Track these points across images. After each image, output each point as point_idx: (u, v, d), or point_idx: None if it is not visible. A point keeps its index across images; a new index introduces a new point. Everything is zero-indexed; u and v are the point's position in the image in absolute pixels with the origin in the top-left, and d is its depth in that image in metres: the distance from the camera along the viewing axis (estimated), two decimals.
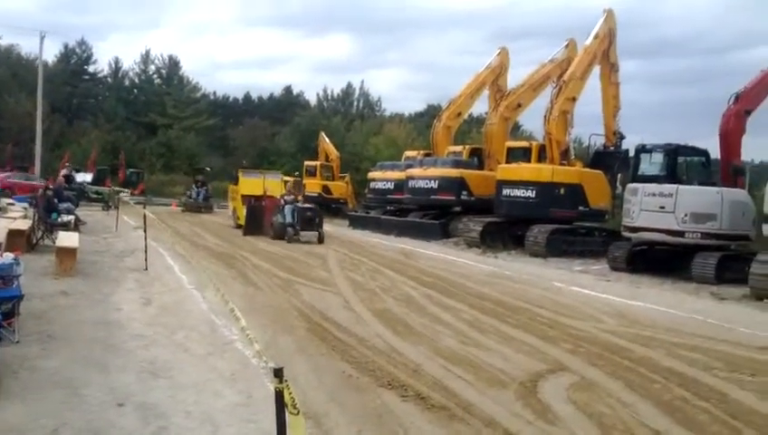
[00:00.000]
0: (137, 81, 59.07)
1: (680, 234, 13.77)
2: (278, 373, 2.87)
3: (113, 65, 58.47)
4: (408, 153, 28.94)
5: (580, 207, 18.64)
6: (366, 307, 9.19)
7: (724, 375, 6.53)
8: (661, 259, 14.99)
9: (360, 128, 51.21)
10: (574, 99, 19.27)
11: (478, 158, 23.37)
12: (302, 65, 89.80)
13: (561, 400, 5.55)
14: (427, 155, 25.24)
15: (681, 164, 15.27)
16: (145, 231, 12.38)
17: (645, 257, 15.12)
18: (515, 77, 23.89)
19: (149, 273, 11.15)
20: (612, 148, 20.31)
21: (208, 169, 35.30)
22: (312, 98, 64.28)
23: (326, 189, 33.11)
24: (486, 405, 5.32)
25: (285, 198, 19.32)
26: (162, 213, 24.85)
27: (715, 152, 15.37)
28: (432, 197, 22.34)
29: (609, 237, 17.34)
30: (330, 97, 63.46)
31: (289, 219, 18.37)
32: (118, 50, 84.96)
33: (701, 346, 7.76)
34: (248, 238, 18.88)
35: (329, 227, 26.70)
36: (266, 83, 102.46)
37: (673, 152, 15.05)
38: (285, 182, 23.63)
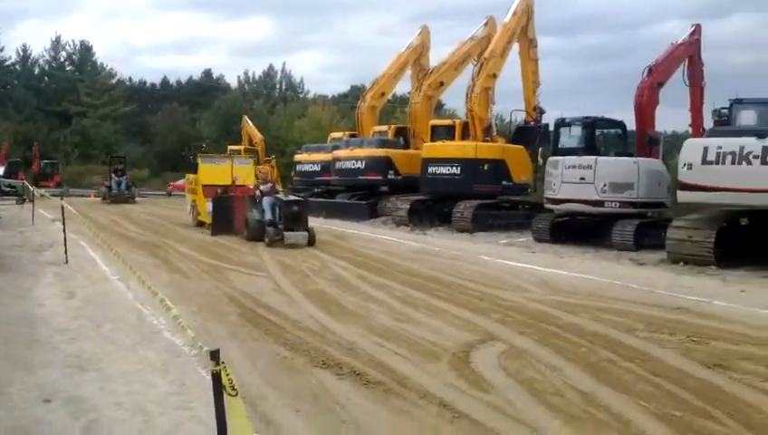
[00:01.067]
0: (47, 68, 56.68)
1: (600, 203, 14.26)
2: (214, 355, 2.85)
3: (21, 53, 55.97)
4: (334, 134, 28.84)
5: (504, 182, 19.01)
6: (298, 290, 9.15)
7: (646, 336, 6.82)
8: (583, 229, 15.49)
9: (284, 111, 50.68)
10: (495, 76, 19.55)
11: (403, 137, 23.50)
12: (222, 48, 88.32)
13: (493, 368, 5.67)
14: (353, 136, 25.20)
15: (599, 136, 15.80)
16: (63, 223, 11.94)
17: (567, 228, 15.59)
18: (437, 56, 24.07)
19: (71, 265, 10.78)
20: (533, 123, 20.75)
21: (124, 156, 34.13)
22: (232, 81, 63.20)
23: None
24: (421, 378, 5.40)
25: (261, 187, 14.94)
26: (81, 204, 23.96)
27: (631, 124, 15.97)
28: (359, 177, 22.37)
29: (533, 210, 17.78)
30: (251, 80, 62.50)
31: (269, 216, 14.24)
32: (28, 37, 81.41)
33: (623, 310, 8.08)
34: (174, 227, 18.43)
35: None
36: (185, 68, 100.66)
37: (591, 125, 15.54)
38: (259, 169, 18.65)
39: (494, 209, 18.77)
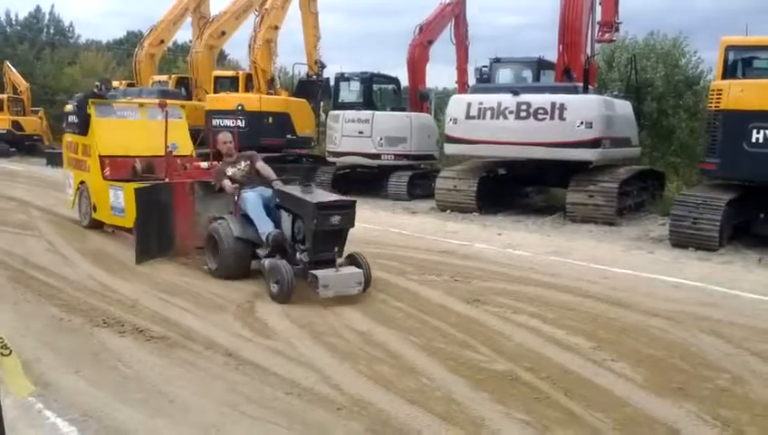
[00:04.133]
0: None
1: (377, 156, 15.07)
2: None
3: None
4: None
5: (288, 136, 19.22)
6: (75, 249, 8.77)
7: (416, 278, 7.50)
8: (363, 181, 16.26)
9: (51, 57, 46.37)
10: (277, 27, 19.50)
11: (185, 87, 22.74)
12: None
13: (277, 316, 5.96)
14: (131, 85, 23.90)
15: (376, 92, 16.53)
16: None
17: (348, 179, 16.27)
18: (219, 4, 23.45)
19: None
20: (315, 77, 21.08)
21: None
22: None
23: (17, 125, 29.82)
24: (207, 329, 5.57)
25: (231, 171, 7.66)
26: None
27: (405, 80, 16.90)
28: None
29: (316, 163, 18.26)
30: (14, 22, 56.17)
31: (266, 229, 7.00)
32: None
33: (396, 254, 8.79)
34: None
35: (20, 165, 24.40)
36: None
37: (368, 80, 16.21)
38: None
39: (278, 162, 18.87)
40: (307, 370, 4.74)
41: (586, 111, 11.60)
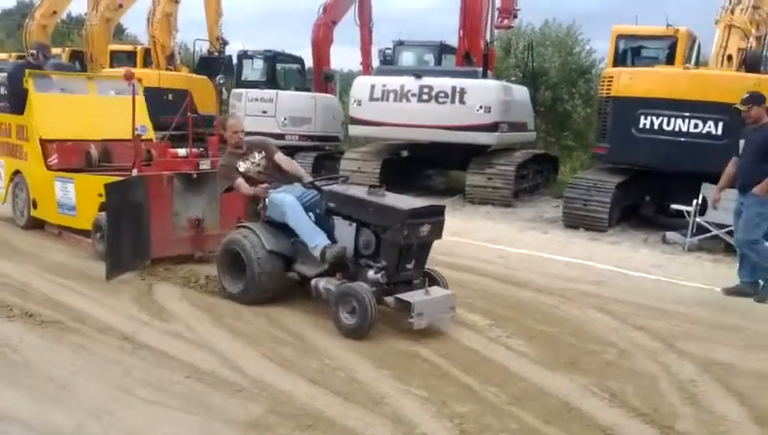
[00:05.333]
0: None
1: (281, 136, 14.85)
2: None
3: None
4: None
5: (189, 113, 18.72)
6: None
7: None
8: None
9: None
10: (177, 1, 18.88)
11: (80, 61, 21.65)
12: None
13: (176, 299, 5.84)
14: (20, 58, 22.54)
15: (280, 71, 16.31)
16: None
17: None
18: None
19: None
20: (216, 53, 20.57)
21: None
22: None
23: None
24: (101, 313, 5.39)
25: (248, 162, 6.10)
26: None
27: (309, 61, 16.74)
28: None
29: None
30: None
31: (317, 242, 5.45)
32: None
33: None
34: None
35: None
36: None
37: (272, 59, 15.95)
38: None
39: (179, 141, 18.43)
40: (207, 353, 4.68)
41: (485, 95, 11.86)
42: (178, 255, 6.82)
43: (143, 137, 7.72)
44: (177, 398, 3.96)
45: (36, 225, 8.36)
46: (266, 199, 5.80)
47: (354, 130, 13.33)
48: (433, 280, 5.44)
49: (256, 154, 6.13)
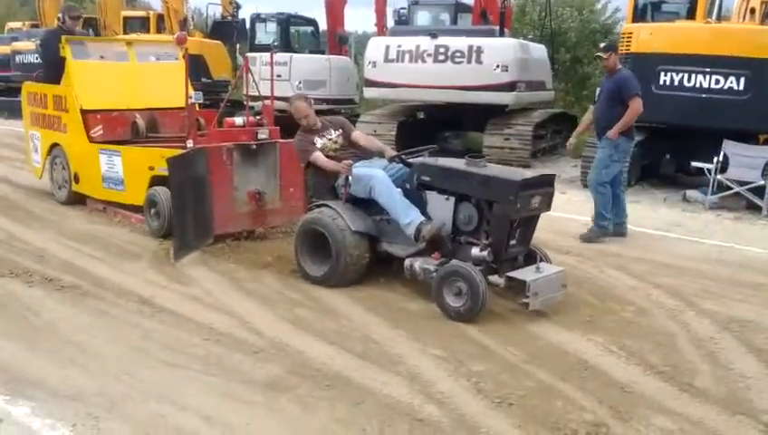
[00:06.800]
0: None
1: None
2: None
3: None
4: (12, 24, 25.52)
5: (204, 79, 18.63)
6: None
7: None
8: (281, 125, 15.92)
9: None
10: None
11: (93, 29, 21.59)
12: None
13: (194, 264, 5.83)
14: (35, 27, 22.57)
15: (293, 34, 16.16)
16: None
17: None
18: None
19: None
20: (229, 17, 20.42)
21: None
22: None
23: None
24: (120, 278, 5.43)
25: (324, 138, 5.80)
26: None
27: (323, 23, 16.56)
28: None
29: (233, 108, 17.80)
30: None
31: (428, 227, 4.97)
32: None
33: None
34: None
35: None
36: None
37: (285, 22, 15.81)
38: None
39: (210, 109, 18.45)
40: (225, 315, 4.72)
41: (502, 54, 11.69)
42: (241, 231, 6.43)
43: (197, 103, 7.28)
44: (196, 360, 4.00)
45: (78, 200, 7.97)
46: (349, 177, 5.39)
47: (369, 93, 13.22)
48: (534, 256, 5.01)
49: (332, 131, 5.83)
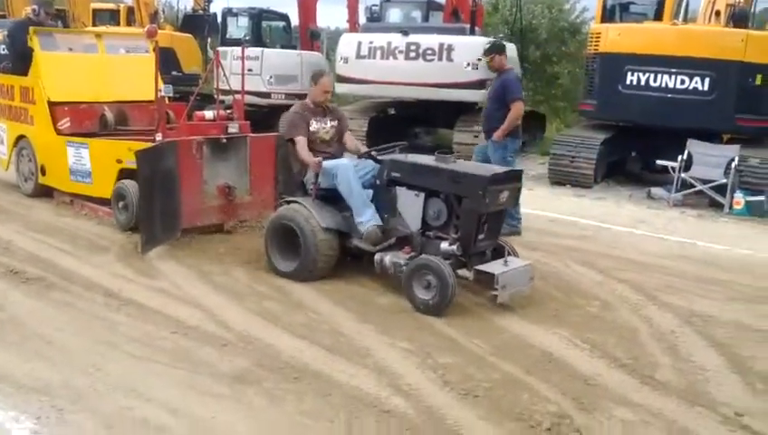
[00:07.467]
0: None
1: (267, 95, 14.72)
2: None
3: None
4: None
5: (174, 72, 18.43)
6: None
7: None
8: (253, 119, 15.81)
9: None
10: None
11: (62, 20, 21.23)
12: None
13: (162, 256, 5.80)
14: (2, 17, 22.15)
15: (265, 28, 16.08)
16: None
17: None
18: None
19: None
20: (201, 11, 20.25)
21: None
22: None
23: None
24: (87, 270, 5.39)
25: (320, 124, 5.75)
26: None
27: (295, 18, 16.50)
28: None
29: (204, 102, 17.65)
30: None
31: (371, 227, 5.17)
32: None
33: None
34: None
35: None
36: None
37: (257, 16, 15.73)
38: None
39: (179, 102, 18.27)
40: (193, 308, 4.70)
41: (473, 52, 11.74)
42: (210, 225, 6.38)
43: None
44: (163, 353, 3.99)
45: (45, 193, 7.83)
46: (319, 174, 5.38)
47: (341, 88, 13.17)
48: (501, 250, 5.10)
49: (329, 121, 5.77)
